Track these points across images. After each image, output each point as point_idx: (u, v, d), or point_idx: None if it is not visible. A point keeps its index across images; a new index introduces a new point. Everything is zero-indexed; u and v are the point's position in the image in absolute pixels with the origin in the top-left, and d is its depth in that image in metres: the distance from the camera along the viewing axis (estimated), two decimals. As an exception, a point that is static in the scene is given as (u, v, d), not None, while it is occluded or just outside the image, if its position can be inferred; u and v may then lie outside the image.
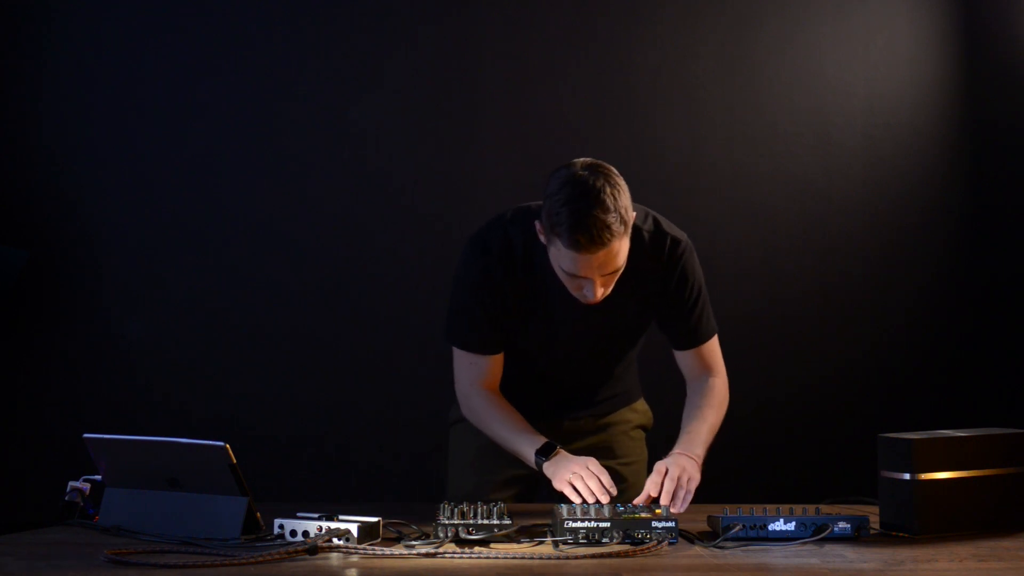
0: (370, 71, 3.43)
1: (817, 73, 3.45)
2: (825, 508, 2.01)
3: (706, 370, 2.31)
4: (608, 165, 2.05)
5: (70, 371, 3.41)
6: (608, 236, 1.97)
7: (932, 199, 3.45)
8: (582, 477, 2.07)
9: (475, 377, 2.26)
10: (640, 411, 2.48)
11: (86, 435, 1.98)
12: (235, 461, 1.87)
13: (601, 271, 2.02)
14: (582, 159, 2.05)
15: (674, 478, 2.07)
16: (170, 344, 3.40)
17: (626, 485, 2.37)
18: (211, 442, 1.87)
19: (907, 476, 1.96)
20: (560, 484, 2.09)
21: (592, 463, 2.11)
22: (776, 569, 1.69)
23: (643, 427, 2.49)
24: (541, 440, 2.18)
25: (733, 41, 3.44)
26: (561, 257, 2.02)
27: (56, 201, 3.42)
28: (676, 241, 2.21)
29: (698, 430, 2.22)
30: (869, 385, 3.42)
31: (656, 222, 2.21)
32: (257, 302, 3.41)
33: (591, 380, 2.39)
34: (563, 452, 2.16)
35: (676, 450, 2.17)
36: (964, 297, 3.44)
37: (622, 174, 2.04)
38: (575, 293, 2.08)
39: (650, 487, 2.08)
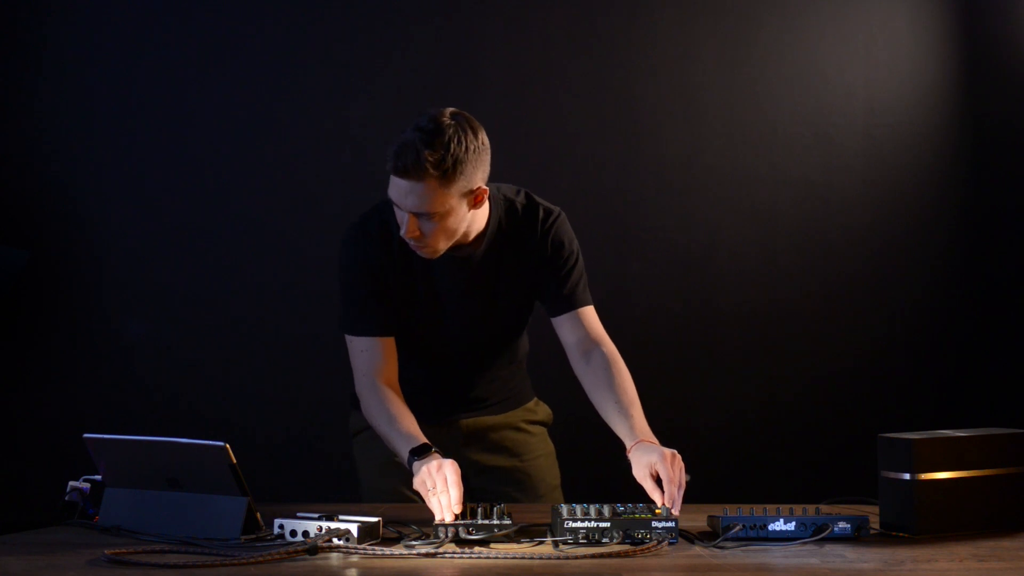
0: (369, 71, 3.43)
1: (817, 73, 3.45)
2: (825, 508, 2.01)
3: (594, 340, 2.24)
4: (478, 126, 2.07)
5: (70, 371, 3.41)
6: (417, 168, 1.99)
7: (932, 199, 3.45)
8: (435, 489, 1.94)
9: (370, 367, 2.20)
10: (534, 409, 2.48)
11: (86, 435, 1.98)
12: (235, 461, 1.87)
13: (409, 205, 2.03)
14: (456, 109, 2.07)
15: (676, 480, 1.99)
16: (170, 344, 3.40)
17: (532, 481, 2.40)
18: (211, 442, 1.87)
19: (907, 476, 1.96)
20: (416, 484, 2.00)
21: (450, 472, 1.94)
22: (776, 569, 1.69)
23: (542, 423, 2.49)
24: (420, 441, 2.07)
25: (733, 41, 3.44)
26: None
27: (56, 201, 3.42)
28: (549, 211, 2.25)
29: (639, 415, 2.13)
30: (869, 385, 3.41)
31: (528, 195, 2.25)
32: (257, 302, 3.41)
33: (485, 365, 2.37)
34: (436, 455, 2.03)
35: (641, 439, 2.07)
36: (964, 297, 3.44)
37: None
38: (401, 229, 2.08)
39: (654, 495, 2.00)
